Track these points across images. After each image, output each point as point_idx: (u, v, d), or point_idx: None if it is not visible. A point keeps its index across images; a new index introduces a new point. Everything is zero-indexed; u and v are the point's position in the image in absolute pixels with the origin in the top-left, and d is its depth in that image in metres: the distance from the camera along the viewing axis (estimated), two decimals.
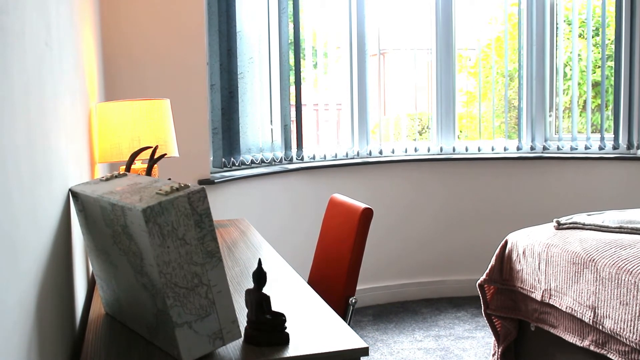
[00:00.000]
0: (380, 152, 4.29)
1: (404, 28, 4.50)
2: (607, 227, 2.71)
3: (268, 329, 1.38)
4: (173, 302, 1.25)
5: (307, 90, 4.21)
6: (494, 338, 2.96)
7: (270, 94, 3.85)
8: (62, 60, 1.57)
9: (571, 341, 2.52)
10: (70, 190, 1.57)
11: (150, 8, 3.23)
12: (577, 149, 4.35)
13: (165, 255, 1.24)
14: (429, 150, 4.40)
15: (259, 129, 3.78)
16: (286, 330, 1.40)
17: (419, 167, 4.27)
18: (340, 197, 2.58)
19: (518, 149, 4.41)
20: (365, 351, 1.36)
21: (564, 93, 4.48)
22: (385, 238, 4.20)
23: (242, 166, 3.70)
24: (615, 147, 4.29)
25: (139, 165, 2.44)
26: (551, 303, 2.61)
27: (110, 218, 1.35)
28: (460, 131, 4.76)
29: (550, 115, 4.43)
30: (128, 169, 1.96)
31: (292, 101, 3.97)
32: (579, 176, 4.27)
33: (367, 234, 2.32)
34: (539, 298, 2.67)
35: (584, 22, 4.37)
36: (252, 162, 3.75)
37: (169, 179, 1.51)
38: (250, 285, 1.70)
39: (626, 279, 2.24)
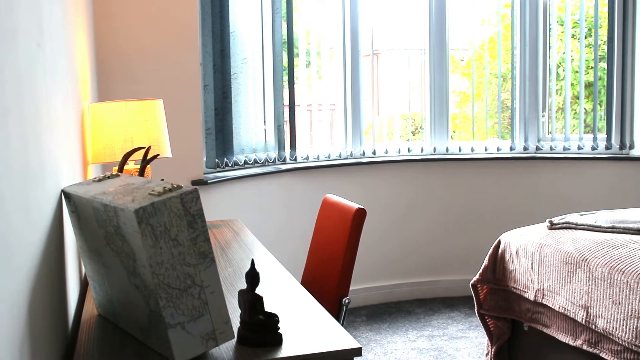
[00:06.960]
0: (374, 153, 4.30)
1: (397, 28, 4.51)
2: (600, 227, 2.72)
3: (261, 329, 1.38)
4: (166, 303, 1.25)
5: (301, 90, 4.21)
6: (487, 338, 2.97)
7: (263, 94, 3.84)
8: (55, 61, 1.57)
9: (564, 341, 2.53)
10: (62, 191, 1.57)
11: (143, 8, 3.22)
12: (569, 149, 4.37)
13: (157, 256, 1.23)
14: (422, 150, 4.41)
15: (252, 130, 3.78)
16: (279, 331, 1.40)
17: (412, 168, 4.28)
18: (334, 197, 2.58)
19: (511, 149, 4.42)
20: (358, 351, 1.36)
21: (556, 93, 4.50)
22: (378, 238, 4.21)
23: (235, 167, 3.69)
24: (607, 147, 4.31)
25: (132, 165, 2.43)
26: (544, 303, 2.62)
27: (102, 219, 1.35)
28: (454, 131, 4.77)
29: (543, 116, 4.44)
30: (121, 169, 1.95)
31: (286, 101, 3.97)
32: (571, 176, 4.29)
33: (361, 234, 2.32)
34: (532, 298, 2.68)
35: (576, 22, 4.39)
36: (246, 162, 3.75)
37: (162, 179, 1.50)
38: (244, 285, 1.70)
39: (618, 279, 2.26)
